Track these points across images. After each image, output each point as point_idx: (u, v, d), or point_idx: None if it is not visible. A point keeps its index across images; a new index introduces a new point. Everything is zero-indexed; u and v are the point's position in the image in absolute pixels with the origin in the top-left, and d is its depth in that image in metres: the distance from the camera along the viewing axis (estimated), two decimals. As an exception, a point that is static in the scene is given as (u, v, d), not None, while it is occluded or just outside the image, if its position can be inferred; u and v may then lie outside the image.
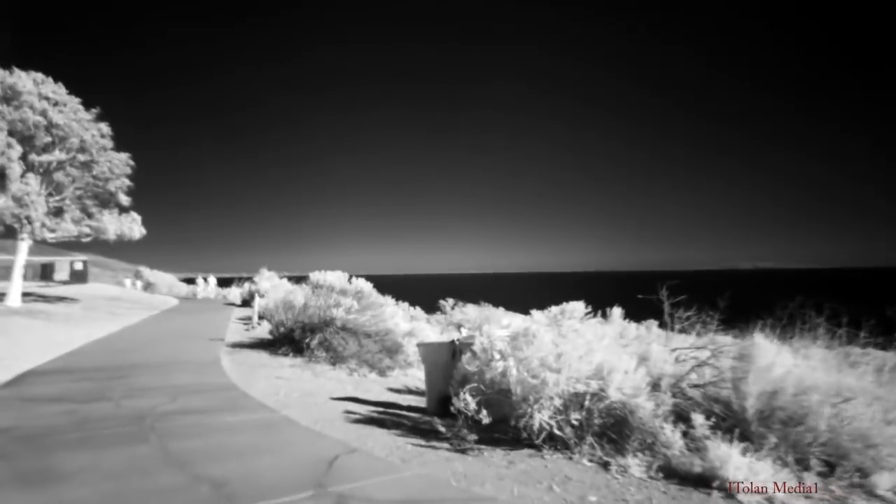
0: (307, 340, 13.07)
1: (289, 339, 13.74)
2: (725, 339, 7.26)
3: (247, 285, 34.29)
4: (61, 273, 40.00)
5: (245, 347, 14.40)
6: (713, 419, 6.01)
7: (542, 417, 6.19)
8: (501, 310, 40.75)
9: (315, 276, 14.18)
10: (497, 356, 7.25)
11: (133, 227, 23.81)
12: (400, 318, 14.38)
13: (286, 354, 13.40)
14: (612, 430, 6.25)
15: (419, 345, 8.97)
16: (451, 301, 41.84)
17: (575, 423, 6.23)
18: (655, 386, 6.70)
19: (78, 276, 41.19)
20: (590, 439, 6.19)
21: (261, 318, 20.10)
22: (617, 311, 9.62)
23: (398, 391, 11.66)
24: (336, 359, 12.62)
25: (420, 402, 10.31)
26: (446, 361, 8.44)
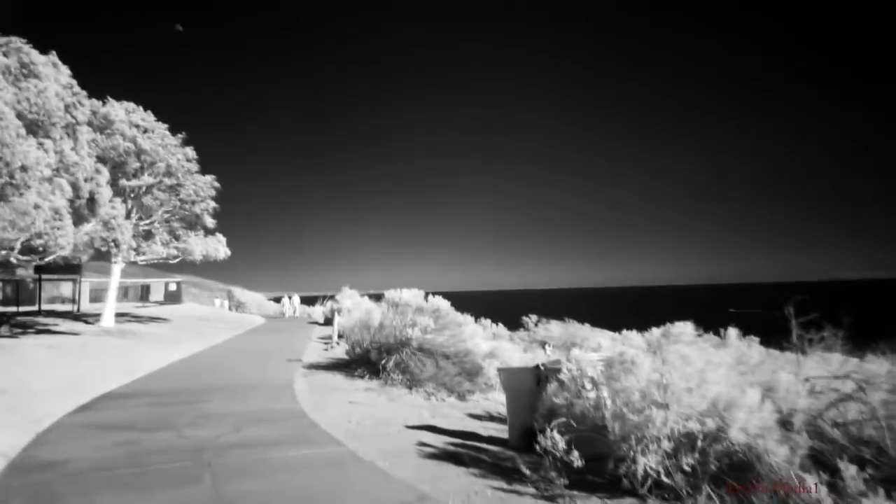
0: (383, 362, 12.47)
1: (365, 361, 13.20)
2: (872, 366, 5.99)
3: (329, 304, 34.49)
4: (157, 294, 41.80)
5: (321, 369, 13.99)
6: (868, 469, 4.82)
7: (647, 462, 5.18)
8: (587, 327, 39.14)
9: (390, 294, 13.62)
10: (588, 385, 6.30)
11: (218, 247, 24.26)
12: (480, 337, 13.56)
13: (362, 376, 12.85)
14: (734, 478, 5.16)
15: (500, 370, 8.11)
16: (533, 318, 40.62)
17: (687, 468, 5.19)
18: (785, 424, 5.56)
19: (172, 297, 42.93)
20: (706, 489, 5.13)
21: (340, 336, 19.82)
22: (733, 332, 8.36)
23: (478, 417, 10.82)
24: (413, 382, 11.92)
25: (502, 430, 9.46)
26: (530, 389, 7.54)
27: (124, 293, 40.80)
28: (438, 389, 11.83)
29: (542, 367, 7.45)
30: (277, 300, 40.93)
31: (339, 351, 17.37)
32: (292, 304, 40.12)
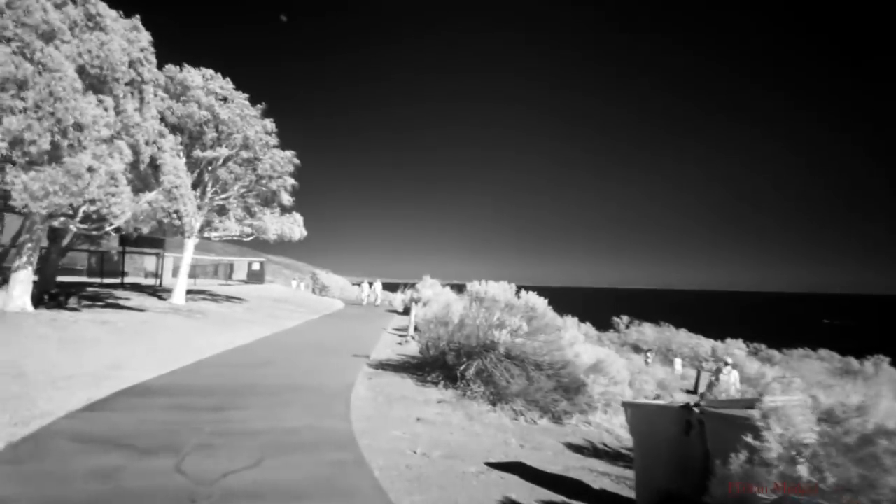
0: (462, 368, 10.24)
1: (440, 364, 11.02)
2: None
3: (409, 292, 32.81)
4: (240, 273, 41.58)
5: (389, 369, 11.92)
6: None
7: None
8: (683, 332, 35.58)
9: (474, 287, 11.41)
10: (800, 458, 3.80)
11: (294, 227, 22.85)
12: (581, 345, 11.09)
13: (435, 383, 10.67)
14: None
15: (626, 405, 5.66)
16: (625, 318, 37.38)
17: None
18: None
19: (255, 277, 42.65)
20: None
21: (416, 330, 17.83)
22: None
23: (580, 450, 8.40)
24: (497, 396, 9.64)
25: (616, 476, 7.07)
26: (673, 437, 5.08)
27: (215, 271, 40.82)
28: (529, 408, 9.49)
29: (695, 409, 4.97)
30: (370, 284, 39.60)
31: (414, 346, 15.30)
32: (373, 291, 38.57)
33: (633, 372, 13.97)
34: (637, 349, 31.81)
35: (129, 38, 14.84)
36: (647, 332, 35.58)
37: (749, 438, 4.05)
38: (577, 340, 11.00)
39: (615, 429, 10.26)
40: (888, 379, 28.77)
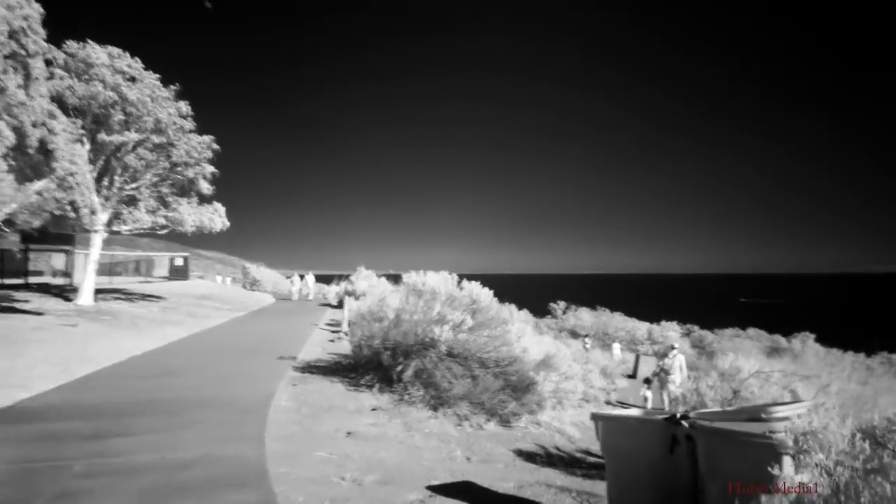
0: (399, 369, 9.13)
1: (374, 364, 9.88)
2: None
3: (343, 284, 31.36)
4: (160, 269, 38.88)
5: (318, 372, 10.66)
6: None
7: None
8: (619, 315, 35.62)
9: (411, 277, 10.31)
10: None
11: (214, 218, 21.05)
12: (529, 338, 10.17)
13: (370, 386, 9.52)
14: None
15: (597, 418, 4.68)
16: (561, 304, 37.10)
17: None
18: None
19: (179, 273, 39.93)
20: None
21: (352, 324, 16.55)
22: None
23: (533, 458, 7.49)
24: (439, 399, 8.60)
25: (575, 485, 6.18)
26: (655, 457, 4.17)
27: (136, 267, 38.04)
28: (474, 411, 8.50)
29: (682, 422, 4.05)
30: (301, 277, 37.50)
31: (348, 344, 14.10)
32: (305, 284, 36.67)
33: (581, 363, 13.21)
34: (575, 334, 31.46)
35: (7, 4, 12.87)
36: (584, 317, 35.37)
37: (769, 464, 3.13)
38: (524, 333, 10.08)
39: (566, 427, 9.41)
40: (814, 354, 29.57)
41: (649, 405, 14.38)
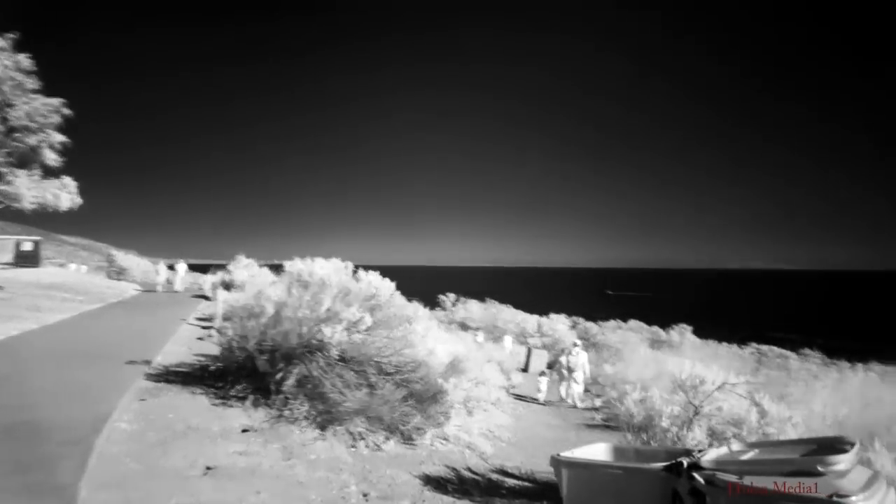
0: (279, 376, 7.45)
1: (248, 371, 8.11)
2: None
3: (220, 274, 28.57)
4: (3, 255, 33.84)
5: (177, 382, 8.64)
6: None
7: None
8: (509, 308, 35.34)
9: (296, 266, 8.58)
10: None
11: (61, 194, 17.95)
12: (435, 337, 8.81)
13: (242, 398, 7.73)
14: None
15: (561, 465, 3.35)
16: (451, 296, 36.28)
17: None
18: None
19: (26, 259, 34.97)
20: None
21: (227, 319, 14.39)
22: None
23: (443, 486, 6.11)
24: (328, 416, 7.02)
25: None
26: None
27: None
28: (372, 428, 7.02)
29: (694, 475, 2.80)
30: (171, 267, 33.69)
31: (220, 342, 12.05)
32: (176, 274, 33.02)
33: (498, 367, 12.06)
34: (465, 327, 30.68)
35: None
36: (474, 309, 34.73)
37: None
38: (430, 332, 8.70)
39: (476, 441, 8.14)
40: (691, 346, 30.56)
41: (541, 397, 14.02)
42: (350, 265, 8.50)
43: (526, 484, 6.94)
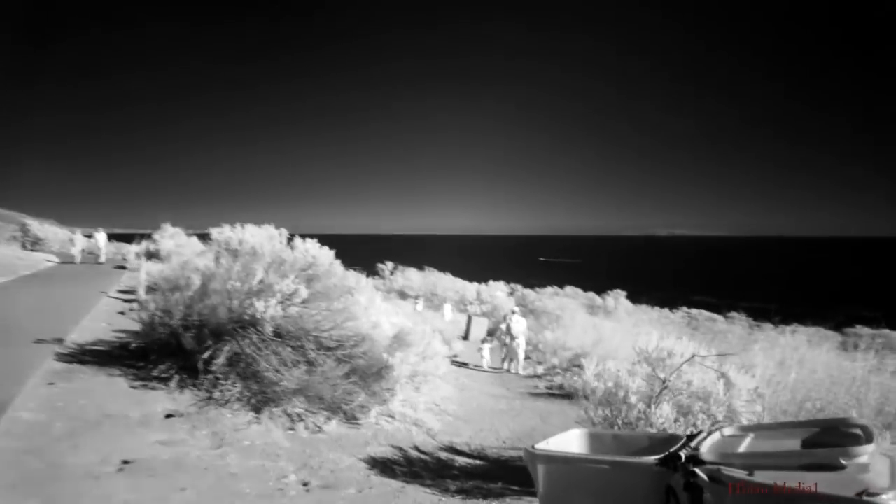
0: (207, 355, 6.78)
1: (173, 349, 7.38)
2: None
3: (145, 244, 27.00)
4: None
5: (93, 362, 7.80)
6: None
7: None
8: (448, 276, 35.15)
9: (224, 233, 7.82)
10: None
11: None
12: (380, 309, 8.28)
13: (166, 379, 7.02)
14: None
15: (537, 458, 2.89)
16: (389, 264, 35.74)
17: None
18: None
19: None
20: None
21: (152, 292, 13.34)
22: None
23: (390, 468, 5.68)
24: (264, 396, 6.44)
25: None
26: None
27: None
28: (312, 408, 6.50)
29: (696, 471, 2.42)
30: (89, 237, 31.39)
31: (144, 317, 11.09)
32: (97, 244, 30.86)
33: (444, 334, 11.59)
34: (403, 295, 30.28)
35: None
36: (413, 277, 34.36)
37: None
38: (373, 304, 8.16)
39: (422, 416, 7.75)
40: (625, 311, 31.22)
41: (485, 364, 14.09)
42: (285, 232, 7.82)
43: (477, 462, 6.60)
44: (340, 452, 5.97)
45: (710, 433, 2.85)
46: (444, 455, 6.65)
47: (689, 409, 4.59)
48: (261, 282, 6.63)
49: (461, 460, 6.55)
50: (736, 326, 26.62)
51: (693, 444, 2.68)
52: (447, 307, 25.50)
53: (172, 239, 25.64)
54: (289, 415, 6.37)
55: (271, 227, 7.65)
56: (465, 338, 19.79)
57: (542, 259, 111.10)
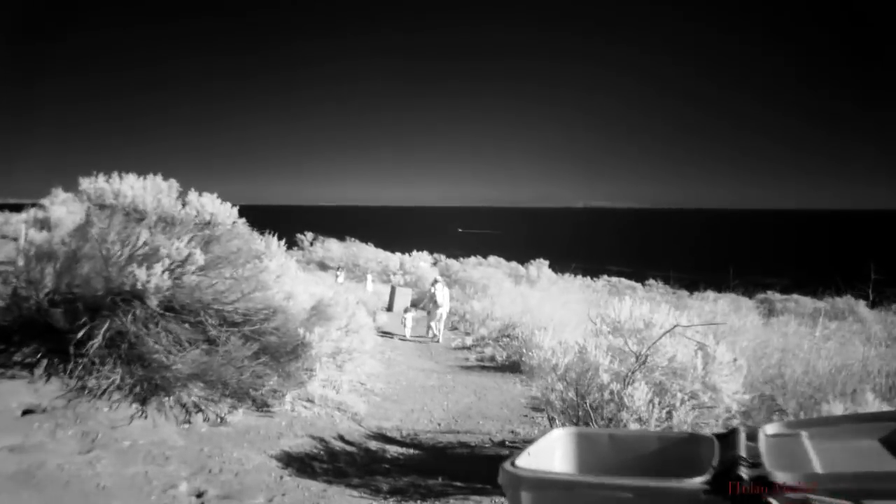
0: (80, 334, 5.54)
1: (41, 328, 6.07)
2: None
3: (33, 212, 24.34)
4: None
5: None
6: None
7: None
8: (371, 247, 34.11)
9: (97, 184, 6.48)
10: None
11: None
12: (295, 278, 7.21)
13: (31, 365, 5.73)
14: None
15: (521, 481, 2.00)
16: (309, 235, 34.25)
17: None
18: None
19: None
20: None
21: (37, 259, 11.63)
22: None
23: (309, 466, 4.71)
24: (152, 384, 5.30)
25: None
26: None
27: None
28: (213, 396, 5.42)
29: (764, 491, 1.63)
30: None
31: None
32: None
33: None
34: (324, 266, 29.03)
35: None
36: (334, 248, 33.10)
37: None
38: (288, 271, 7.06)
39: (346, 399, 6.81)
40: (548, 280, 31.22)
41: (408, 333, 13.80)
42: (175, 185, 6.54)
43: (411, 451, 5.75)
44: (248, 449, 4.95)
45: (749, 432, 2.10)
46: (372, 444, 5.76)
47: (665, 388, 3.91)
48: (146, 244, 5.43)
49: (393, 450, 5.68)
50: (655, 294, 27.03)
51: (738, 450, 1.90)
52: (370, 278, 24.60)
53: (65, 205, 23.22)
54: (183, 405, 5.28)
55: (157, 178, 6.35)
56: (389, 309, 19.07)
57: (460, 230, 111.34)
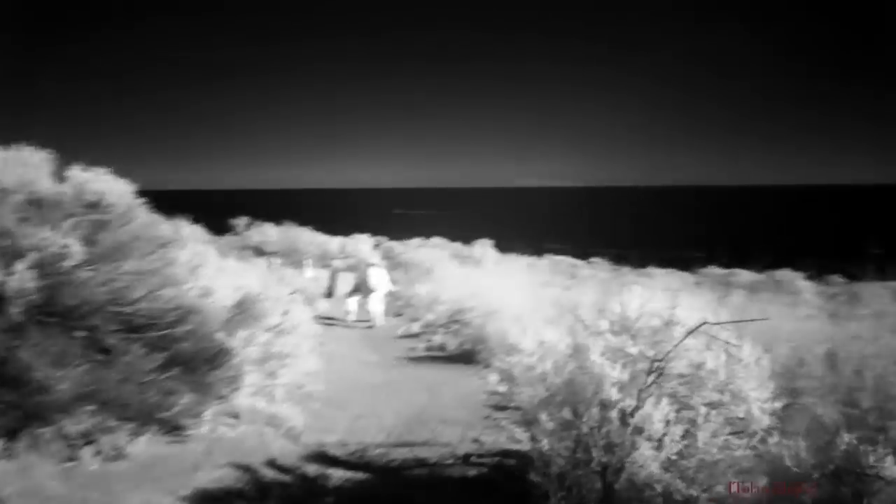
0: (-69, 351, 4.32)
1: None
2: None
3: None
4: None
5: None
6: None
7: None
8: (309, 230, 32.74)
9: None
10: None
11: None
12: (216, 268, 6.08)
13: None
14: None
15: None
16: (244, 219, 32.62)
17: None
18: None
19: None
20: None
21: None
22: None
23: (235, 503, 3.70)
24: (23, 412, 4.15)
25: None
26: None
27: None
28: (107, 423, 4.31)
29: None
30: None
31: None
32: None
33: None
34: (260, 252, 27.60)
35: None
36: (270, 232, 31.62)
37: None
38: (205, 262, 5.92)
39: (280, 410, 5.78)
40: (493, 261, 30.68)
41: (350, 318, 13.41)
42: (52, 159, 5.23)
43: (358, 475, 4.77)
44: (151, 490, 3.90)
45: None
46: (311, 469, 4.76)
47: (678, 399, 3.09)
48: (7, 234, 4.23)
49: (336, 475, 4.69)
50: (598, 271, 26.77)
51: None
52: (308, 263, 23.49)
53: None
54: (66, 437, 4.15)
55: (28, 149, 5.02)
56: (330, 295, 18.05)
57: (397, 211, 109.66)
